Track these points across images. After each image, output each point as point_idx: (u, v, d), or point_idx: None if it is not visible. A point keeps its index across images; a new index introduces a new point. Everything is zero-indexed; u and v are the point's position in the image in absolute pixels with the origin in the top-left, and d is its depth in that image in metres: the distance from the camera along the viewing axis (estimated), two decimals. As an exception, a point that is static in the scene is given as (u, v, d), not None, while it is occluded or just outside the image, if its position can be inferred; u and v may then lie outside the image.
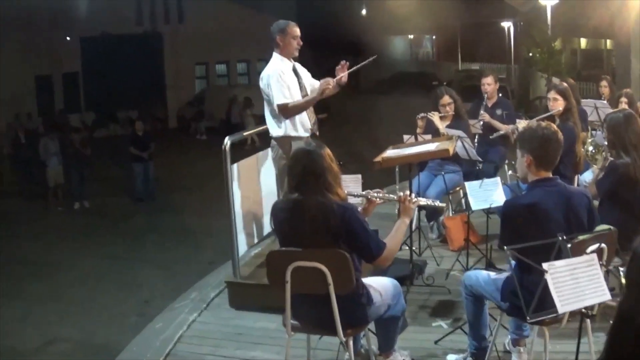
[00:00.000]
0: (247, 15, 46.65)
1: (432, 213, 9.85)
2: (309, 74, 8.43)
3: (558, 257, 4.55)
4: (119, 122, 40.11)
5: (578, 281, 4.38)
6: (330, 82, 7.77)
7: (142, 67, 42.39)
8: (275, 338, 7.04)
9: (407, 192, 5.77)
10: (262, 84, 8.03)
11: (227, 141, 7.90)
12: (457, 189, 9.84)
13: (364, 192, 6.01)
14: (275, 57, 8.06)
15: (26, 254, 17.42)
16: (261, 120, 8.71)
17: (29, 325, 12.84)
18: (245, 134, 8.52)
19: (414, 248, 8.69)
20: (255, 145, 24.22)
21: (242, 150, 8.47)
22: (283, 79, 7.87)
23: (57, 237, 19.06)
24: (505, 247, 4.79)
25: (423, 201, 6.02)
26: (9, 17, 34.58)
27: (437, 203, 6.20)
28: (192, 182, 23.71)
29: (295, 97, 7.89)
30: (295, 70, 8.09)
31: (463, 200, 8.14)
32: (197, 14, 44.33)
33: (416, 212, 9.89)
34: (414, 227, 8.92)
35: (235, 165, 8.22)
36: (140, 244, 17.73)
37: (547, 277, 4.28)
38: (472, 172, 9.96)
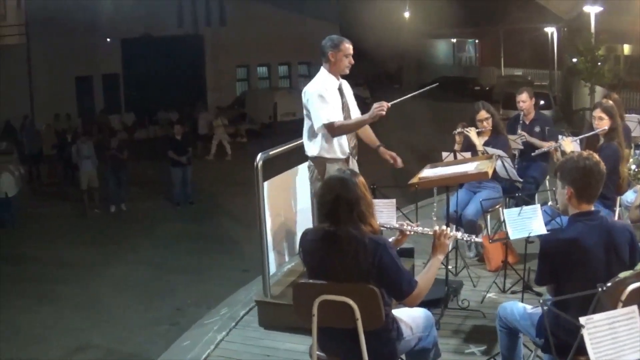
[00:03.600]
0: (289, 17, 46.69)
1: (471, 231, 9.58)
2: (353, 98, 8.19)
3: (596, 309, 4.33)
4: (159, 124, 40.16)
5: (617, 336, 4.16)
6: (385, 106, 7.53)
7: (183, 69, 42.48)
8: (303, 362, 6.89)
9: (443, 227, 5.52)
10: (304, 99, 7.82)
11: (260, 158, 7.70)
12: (497, 206, 9.61)
13: (397, 225, 5.79)
14: (323, 72, 7.84)
15: (60, 257, 17.54)
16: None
17: (60, 330, 12.89)
18: (279, 149, 8.26)
19: (450, 267, 8.51)
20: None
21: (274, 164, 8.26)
22: (325, 97, 7.66)
23: (92, 240, 19.13)
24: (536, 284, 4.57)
25: (459, 235, 5.77)
26: (50, 19, 34.81)
27: (474, 238, 5.94)
28: (231, 187, 23.62)
29: (337, 115, 7.69)
30: (340, 89, 7.88)
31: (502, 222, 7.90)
32: (238, 16, 44.43)
33: (454, 230, 9.71)
34: (451, 246, 8.74)
35: (268, 183, 8.03)
36: (175, 250, 17.71)
37: (584, 332, 4.06)
38: (512, 188, 9.76)
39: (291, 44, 46.78)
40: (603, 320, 4.15)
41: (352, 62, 7.85)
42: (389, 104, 7.47)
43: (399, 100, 7.72)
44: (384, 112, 7.44)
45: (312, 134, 7.78)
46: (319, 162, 7.75)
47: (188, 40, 43.92)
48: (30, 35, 36.19)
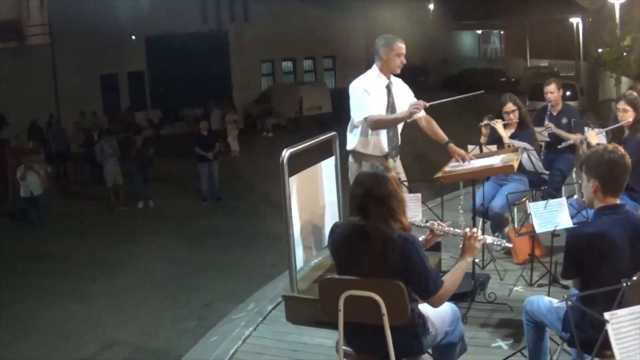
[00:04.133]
0: (313, 11, 46.61)
1: (497, 224, 9.58)
2: (410, 93, 8.26)
3: (621, 304, 4.31)
4: (185, 120, 40.26)
5: (641, 331, 4.15)
6: (421, 105, 7.57)
7: (208, 65, 42.34)
8: (330, 356, 6.82)
9: (474, 229, 5.51)
10: (350, 92, 8.01)
11: (286, 154, 7.71)
12: (524, 199, 9.59)
13: (428, 224, 5.78)
14: (374, 70, 7.97)
15: (88, 254, 17.61)
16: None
17: (88, 327, 12.91)
18: (305, 145, 8.28)
19: (477, 261, 8.50)
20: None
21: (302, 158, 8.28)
22: (367, 94, 7.77)
23: (120, 237, 19.20)
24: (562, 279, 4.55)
25: (490, 239, 5.74)
26: (74, 18, 34.96)
27: (504, 243, 5.91)
28: (258, 182, 23.63)
29: (378, 111, 7.74)
30: (388, 88, 7.93)
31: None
32: (262, 11, 44.46)
33: (481, 223, 9.69)
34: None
35: (294, 178, 8.05)
36: (203, 246, 17.73)
37: (608, 327, 4.04)
38: (539, 180, 9.74)
39: (316, 38, 46.74)
40: (627, 315, 4.13)
41: (404, 61, 7.94)
42: (427, 104, 7.53)
43: (438, 102, 7.78)
44: (419, 111, 7.51)
45: (351, 129, 7.93)
46: (356, 157, 7.94)
47: (212, 36, 43.92)
48: (54, 35, 36.33)
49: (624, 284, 4.30)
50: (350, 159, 8.15)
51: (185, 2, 40.09)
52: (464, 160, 7.94)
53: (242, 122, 40.44)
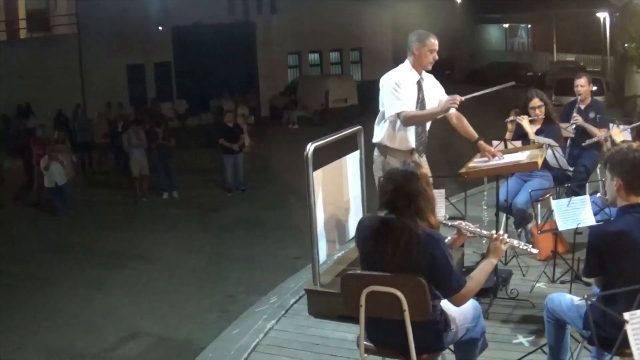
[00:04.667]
0: (340, 3, 46.56)
1: (521, 220, 9.56)
2: (441, 90, 8.25)
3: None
4: (211, 111, 40.33)
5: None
6: (457, 99, 7.57)
7: (234, 57, 42.58)
8: (352, 350, 6.86)
9: (501, 232, 5.53)
10: (381, 86, 8.01)
11: (310, 147, 7.71)
12: (548, 196, 9.56)
13: (456, 223, 5.78)
14: (406, 65, 7.97)
15: (113, 245, 17.70)
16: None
17: (113, 318, 12.98)
18: (329, 139, 8.28)
19: (500, 257, 8.50)
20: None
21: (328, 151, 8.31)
22: (399, 88, 7.76)
23: (145, 228, 19.32)
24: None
25: (515, 243, 5.72)
26: (100, 8, 35.13)
27: (530, 248, 5.86)
28: (283, 174, 23.73)
29: (408, 106, 7.76)
30: (419, 84, 7.94)
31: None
32: (289, 3, 44.45)
33: (504, 219, 9.67)
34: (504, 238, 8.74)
35: (318, 172, 8.05)
36: (227, 237, 17.80)
37: (628, 327, 4.06)
38: (564, 176, 9.72)
39: (342, 31, 46.70)
40: (647, 315, 4.15)
41: (436, 58, 7.94)
42: (463, 98, 7.54)
43: (472, 95, 7.78)
44: (456, 105, 7.52)
45: (381, 121, 7.97)
46: (382, 150, 7.98)
47: (239, 28, 43.91)
48: (81, 25, 36.55)
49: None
50: (376, 152, 8.17)
51: (212, -6, 40.25)
52: (493, 157, 7.94)
53: (267, 113, 40.59)
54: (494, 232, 5.49)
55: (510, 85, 8.14)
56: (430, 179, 7.74)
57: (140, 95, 40.00)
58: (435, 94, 8.11)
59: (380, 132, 8.02)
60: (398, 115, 7.72)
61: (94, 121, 30.57)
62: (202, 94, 40.98)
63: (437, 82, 8.25)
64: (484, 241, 5.35)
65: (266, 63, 45.89)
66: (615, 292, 4.57)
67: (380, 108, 8.04)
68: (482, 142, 8.01)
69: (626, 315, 4.12)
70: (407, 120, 7.73)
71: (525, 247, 5.73)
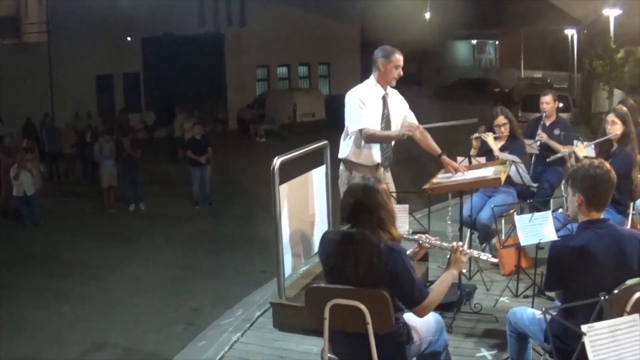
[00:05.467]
0: (309, 18, 46.83)
1: (485, 235, 9.67)
2: (405, 105, 8.36)
3: (599, 315, 4.41)
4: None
5: (618, 344, 4.24)
6: (414, 128, 7.68)
7: (204, 69, 42.67)
8: (316, 363, 6.96)
9: (460, 243, 5.62)
10: (346, 101, 8.08)
11: (277, 161, 7.77)
12: (511, 211, 9.67)
13: (416, 237, 5.89)
14: (371, 80, 8.05)
15: (78, 256, 17.60)
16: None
17: (78, 329, 12.92)
18: (296, 153, 8.36)
19: (464, 271, 8.59)
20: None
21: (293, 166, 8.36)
22: (363, 105, 7.84)
23: (111, 239, 19.19)
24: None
25: (476, 254, 5.83)
26: (72, 17, 35.04)
27: (490, 258, 5.96)
28: (249, 187, 23.65)
29: (372, 123, 7.84)
30: (384, 99, 8.01)
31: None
32: (259, 16, 44.58)
33: (468, 234, 9.76)
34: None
35: (285, 185, 8.11)
36: (193, 250, 17.75)
37: (586, 339, 4.14)
38: (528, 192, 9.83)
39: (311, 45, 46.89)
40: (605, 328, 4.23)
41: (401, 73, 8.04)
42: (420, 127, 7.64)
43: (431, 125, 7.90)
44: (412, 133, 7.62)
45: (345, 137, 8.02)
46: (348, 166, 8.03)
47: (209, 39, 44.04)
48: (52, 33, 36.30)
49: (602, 298, 4.40)
50: (342, 167, 8.24)
51: (182, 4, 40.22)
52: (457, 172, 8.03)
53: (235, 125, 40.66)
54: (454, 243, 5.60)
55: (472, 121, 8.27)
56: (394, 194, 7.86)
57: (108, 106, 39.88)
58: (400, 110, 8.20)
59: (345, 148, 8.09)
60: (360, 131, 7.80)
61: (62, 131, 30.45)
62: (170, 105, 40.89)
63: (402, 98, 8.34)
64: (447, 255, 5.44)
65: (235, 75, 45.94)
66: (576, 305, 4.64)
67: (346, 123, 8.10)
68: (445, 157, 8.12)
69: (584, 328, 4.20)
70: (367, 138, 7.83)
71: (484, 257, 5.84)
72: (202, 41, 42.97)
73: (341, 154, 8.16)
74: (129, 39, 40.27)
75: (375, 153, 8.00)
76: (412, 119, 8.21)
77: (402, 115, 8.18)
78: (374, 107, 7.91)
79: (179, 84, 40.70)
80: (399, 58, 7.94)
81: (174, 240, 18.69)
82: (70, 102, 35.32)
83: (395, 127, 8.10)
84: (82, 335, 12.54)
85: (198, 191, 22.56)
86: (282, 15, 45.20)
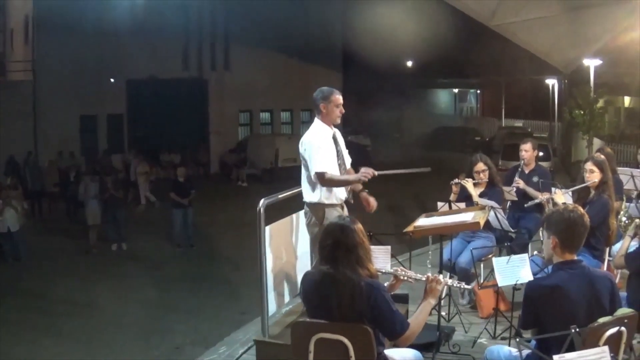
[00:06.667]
0: (293, 65, 47.15)
1: (464, 279, 9.85)
2: (343, 141, 8.54)
3: (571, 348, 4.63)
4: (162, 165, 40.44)
5: (589, 375, 4.47)
6: (370, 174, 7.88)
7: (187, 112, 42.94)
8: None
9: (436, 274, 5.86)
10: (302, 149, 8.13)
11: (262, 204, 7.97)
12: (490, 256, 9.88)
13: (392, 270, 6.13)
14: (317, 123, 8.18)
15: (61, 292, 17.71)
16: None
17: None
18: (280, 196, 8.56)
19: (443, 314, 8.77)
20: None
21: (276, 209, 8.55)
22: (321, 146, 7.99)
23: (94, 277, 19.30)
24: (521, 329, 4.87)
25: (450, 282, 6.09)
26: (57, 57, 35.26)
27: (463, 285, 6.22)
28: (231, 230, 23.86)
29: (332, 164, 8.01)
30: (334, 138, 8.21)
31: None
32: (243, 61, 44.95)
33: (448, 277, 9.96)
34: (444, 293, 9.06)
35: (269, 227, 8.31)
36: (174, 290, 17.92)
37: (556, 368, 4.37)
38: (506, 237, 10.04)
39: (294, 91, 47.13)
40: (576, 358, 4.46)
41: (343, 111, 8.22)
42: (376, 173, 7.84)
43: (386, 172, 8.09)
44: (366, 179, 7.82)
45: (311, 182, 8.08)
46: (318, 208, 8.05)
47: (192, 83, 44.43)
48: (37, 72, 36.49)
49: (572, 330, 4.63)
50: (307, 209, 8.29)
51: (167, 48, 40.66)
52: (368, 204, 8.27)
53: (217, 169, 40.85)
54: (429, 274, 5.85)
55: (426, 170, 8.45)
56: (376, 236, 8.05)
57: (91, 146, 39.96)
58: (344, 145, 8.44)
59: (314, 192, 8.09)
60: (323, 174, 7.91)
61: (46, 169, 30.54)
62: (153, 147, 41.10)
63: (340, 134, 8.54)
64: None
65: (217, 119, 46.15)
66: (550, 343, 4.86)
67: (304, 170, 8.21)
68: (363, 193, 8.37)
69: (556, 357, 4.42)
70: (327, 181, 7.93)
71: (458, 285, 6.12)
72: (186, 85, 43.33)
73: (311, 198, 8.16)
74: (113, 80, 40.48)
75: (340, 190, 8.18)
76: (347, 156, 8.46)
77: (346, 151, 8.44)
78: (329, 146, 8.09)
79: (162, 126, 40.90)
80: (338, 97, 8.12)
81: (155, 280, 18.80)
82: (53, 141, 35.37)
83: (347, 161, 8.34)
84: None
85: (180, 232, 22.67)
86: (266, 60, 45.53)
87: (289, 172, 36.35)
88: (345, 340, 5.21)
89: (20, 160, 32.53)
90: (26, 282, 18.81)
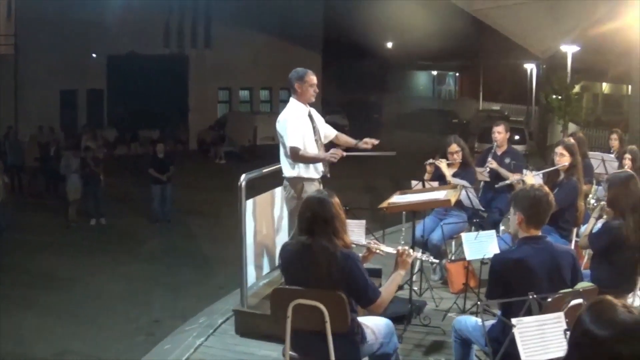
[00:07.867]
0: (273, 43, 47.24)
1: (436, 255, 10.14)
2: (322, 119, 8.84)
3: (528, 313, 4.97)
4: (140, 141, 40.56)
5: (544, 336, 4.79)
6: (339, 155, 8.19)
7: (167, 89, 43.08)
8: (275, 366, 7.41)
9: (406, 247, 6.16)
10: (279, 126, 8.47)
11: (244, 178, 8.29)
12: (461, 233, 10.18)
13: (366, 243, 6.45)
14: (293, 102, 8.52)
15: (42, 266, 17.86)
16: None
17: (41, 335, 13.23)
18: (264, 170, 8.88)
19: (415, 288, 9.09)
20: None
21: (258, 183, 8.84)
22: (298, 123, 8.32)
23: (74, 252, 19.45)
24: (488, 300, 5.18)
25: (419, 255, 6.46)
26: (40, 32, 35.27)
27: (432, 259, 6.64)
28: (209, 207, 24.10)
29: (309, 140, 8.32)
30: (310, 116, 8.53)
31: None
32: (223, 39, 45.11)
33: (420, 254, 10.28)
34: (416, 268, 9.38)
35: (250, 201, 8.63)
36: (153, 265, 18.15)
37: (515, 331, 4.70)
38: (477, 216, 10.35)
39: (274, 70, 47.21)
40: (532, 322, 4.80)
41: (317, 90, 8.59)
42: (344, 154, 8.17)
43: (354, 153, 8.42)
44: (335, 160, 8.13)
45: (287, 156, 8.41)
46: (297, 182, 8.39)
47: (173, 60, 44.61)
48: (19, 47, 36.55)
49: (530, 296, 4.96)
50: (286, 183, 8.60)
51: (149, 25, 40.68)
52: (367, 142, 8.70)
53: (195, 146, 40.97)
54: (399, 247, 6.15)
55: (391, 154, 8.76)
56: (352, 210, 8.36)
57: (71, 121, 40.08)
58: (321, 122, 8.79)
59: (293, 167, 8.43)
60: (296, 149, 8.24)
61: (26, 143, 30.61)
62: (132, 123, 41.18)
63: (317, 112, 8.86)
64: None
65: (197, 97, 46.36)
66: (513, 311, 5.17)
67: (282, 146, 8.52)
68: (359, 143, 8.76)
69: (514, 321, 4.76)
70: (300, 157, 8.28)
71: (427, 259, 6.54)
72: (166, 61, 43.47)
73: (290, 173, 8.47)
74: (94, 55, 40.52)
75: (319, 165, 8.50)
76: (330, 131, 8.88)
77: (324, 128, 8.79)
78: (305, 124, 8.43)
79: (142, 102, 41.08)
80: (312, 78, 8.49)
81: (134, 255, 19.02)
82: (34, 116, 35.47)
83: (324, 139, 8.69)
84: (46, 343, 12.85)
85: (158, 208, 22.88)
86: (246, 39, 45.71)
87: (267, 150, 36.49)
88: (321, 306, 5.51)
89: (0, 135, 32.58)
90: (6, 256, 18.73)
